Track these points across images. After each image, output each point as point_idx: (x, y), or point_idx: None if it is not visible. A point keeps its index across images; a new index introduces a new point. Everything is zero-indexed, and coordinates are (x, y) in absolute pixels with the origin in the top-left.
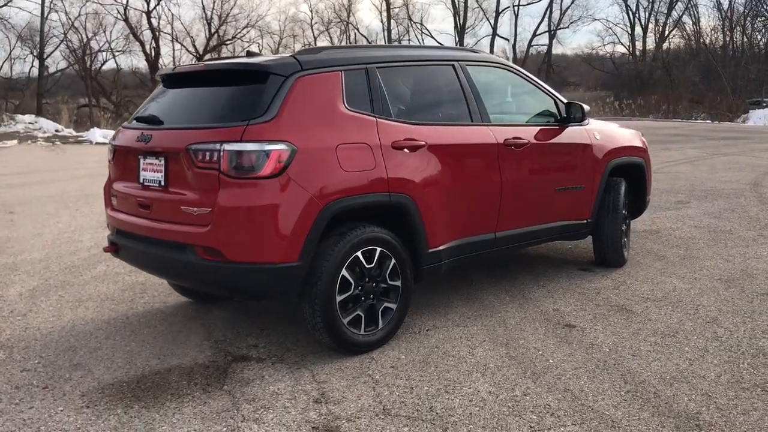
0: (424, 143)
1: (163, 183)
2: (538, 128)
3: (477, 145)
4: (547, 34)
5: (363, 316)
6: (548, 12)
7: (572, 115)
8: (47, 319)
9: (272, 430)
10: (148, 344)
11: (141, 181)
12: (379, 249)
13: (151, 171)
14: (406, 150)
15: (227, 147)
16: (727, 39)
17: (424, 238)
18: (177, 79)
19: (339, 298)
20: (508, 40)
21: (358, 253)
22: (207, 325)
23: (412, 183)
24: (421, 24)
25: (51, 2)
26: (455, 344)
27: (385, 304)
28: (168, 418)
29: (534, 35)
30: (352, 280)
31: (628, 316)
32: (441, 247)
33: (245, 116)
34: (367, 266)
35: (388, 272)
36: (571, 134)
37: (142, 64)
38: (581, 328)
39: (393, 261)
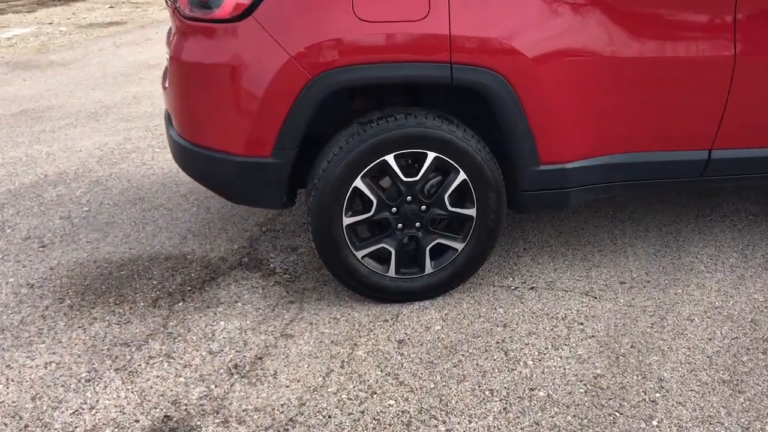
0: None
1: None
2: None
3: None
4: None
5: (393, 251)
6: None
7: None
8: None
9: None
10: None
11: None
12: (432, 155)
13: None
14: None
15: None
16: None
17: (528, 145)
18: None
19: (347, 221)
20: None
21: (389, 157)
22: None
23: (507, 49)
24: None
25: None
26: (554, 319)
27: (440, 240)
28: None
29: None
30: (373, 197)
31: None
32: (571, 164)
33: None
34: (405, 179)
35: (448, 193)
36: None
37: None
38: None
39: (462, 176)
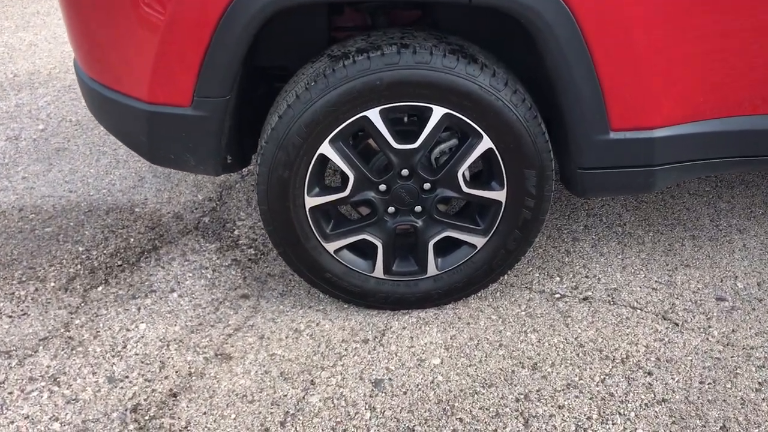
0: None
1: None
2: None
3: None
4: None
5: (381, 245)
6: None
7: None
8: None
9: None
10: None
11: None
12: (439, 110)
13: None
14: None
15: None
16: None
17: (593, 103)
18: None
19: (312, 201)
20: None
21: (372, 113)
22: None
23: None
24: None
25: None
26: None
27: (450, 233)
28: None
29: None
30: (349, 171)
31: None
32: (660, 131)
33: None
34: (397, 146)
35: (464, 167)
36: None
37: None
38: None
39: (486, 144)
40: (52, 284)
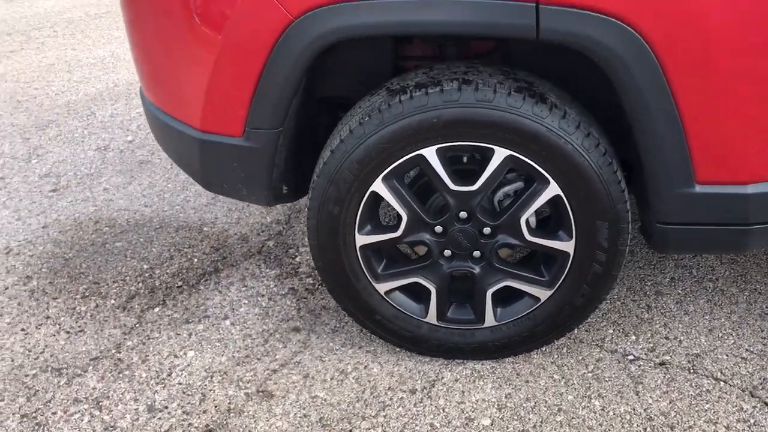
0: None
1: None
2: None
3: None
4: None
5: (434, 290)
6: None
7: None
8: None
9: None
10: None
11: None
12: (501, 152)
13: None
14: None
15: None
16: None
17: (674, 151)
18: None
19: (363, 239)
20: None
21: (428, 152)
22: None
23: None
24: None
25: None
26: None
27: (510, 282)
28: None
29: None
30: (402, 210)
31: None
32: (755, 186)
33: None
34: (454, 187)
35: (528, 213)
36: None
37: None
38: None
39: (554, 190)
40: (113, 302)
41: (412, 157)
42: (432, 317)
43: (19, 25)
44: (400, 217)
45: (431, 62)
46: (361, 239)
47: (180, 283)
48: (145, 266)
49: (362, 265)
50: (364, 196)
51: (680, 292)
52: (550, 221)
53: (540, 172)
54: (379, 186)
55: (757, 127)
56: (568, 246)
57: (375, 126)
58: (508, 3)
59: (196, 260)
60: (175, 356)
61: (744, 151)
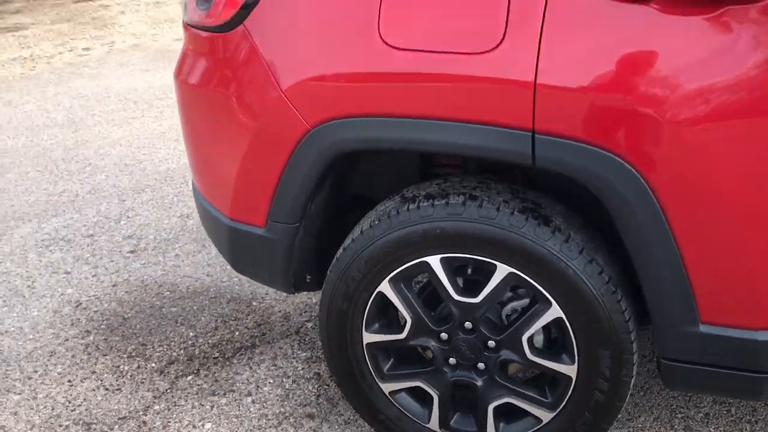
0: None
1: None
2: None
3: None
4: None
5: (437, 397)
6: None
7: None
8: None
9: None
10: None
11: None
12: (504, 269)
13: None
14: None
15: None
16: None
17: (675, 289)
18: None
19: (370, 337)
20: None
21: (433, 260)
22: None
23: (642, 115)
24: None
25: None
26: None
27: (511, 399)
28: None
29: None
30: (407, 314)
31: None
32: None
33: None
34: (457, 297)
35: (529, 333)
36: None
37: None
38: None
39: (555, 312)
40: (153, 364)
41: (417, 263)
42: (434, 424)
43: (147, 94)
44: (404, 320)
45: (457, 171)
46: (368, 337)
47: (217, 354)
48: (191, 334)
49: (368, 362)
50: (371, 296)
51: (712, 431)
52: (555, 342)
53: (542, 292)
54: (385, 287)
55: (765, 273)
56: (570, 370)
57: (383, 230)
58: (505, 130)
59: (237, 333)
60: (194, 426)
61: (753, 296)
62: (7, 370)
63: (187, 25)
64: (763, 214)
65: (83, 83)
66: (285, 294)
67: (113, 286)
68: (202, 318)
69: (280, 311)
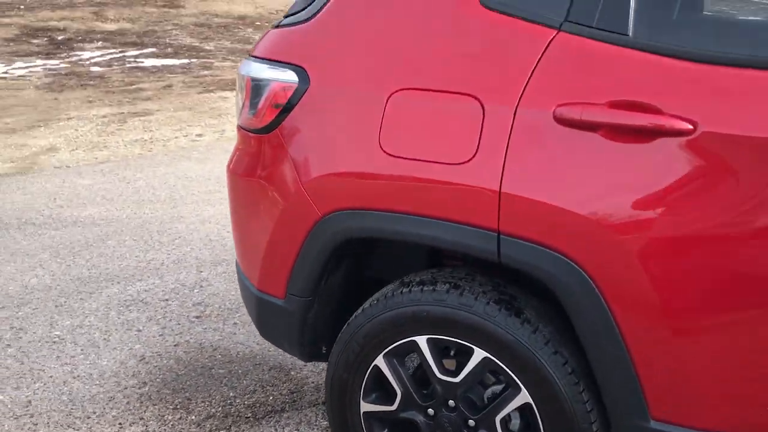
0: (694, 124)
1: None
2: None
3: None
4: None
5: None
6: None
7: None
8: None
9: None
10: None
11: None
12: (480, 353)
13: None
14: (637, 140)
15: (243, 68)
16: None
17: (625, 386)
18: None
19: (367, 407)
20: None
21: (420, 340)
22: None
23: (588, 221)
24: None
25: None
26: None
27: None
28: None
29: None
30: (397, 387)
31: None
32: None
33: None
34: (440, 376)
35: (501, 415)
36: None
37: None
38: None
39: (524, 398)
40: (193, 417)
41: (407, 341)
42: None
43: None
44: (394, 393)
45: (461, 262)
46: (365, 406)
47: (249, 414)
48: (231, 394)
49: (364, 430)
50: (368, 368)
51: None
52: (522, 427)
53: (513, 378)
54: (380, 361)
55: (712, 376)
56: None
57: (380, 309)
58: (476, 229)
59: (271, 398)
60: None
61: (701, 398)
62: (72, 408)
63: (240, 127)
64: (700, 319)
65: (190, 165)
66: (321, 366)
67: (175, 345)
68: (245, 381)
69: (313, 382)
